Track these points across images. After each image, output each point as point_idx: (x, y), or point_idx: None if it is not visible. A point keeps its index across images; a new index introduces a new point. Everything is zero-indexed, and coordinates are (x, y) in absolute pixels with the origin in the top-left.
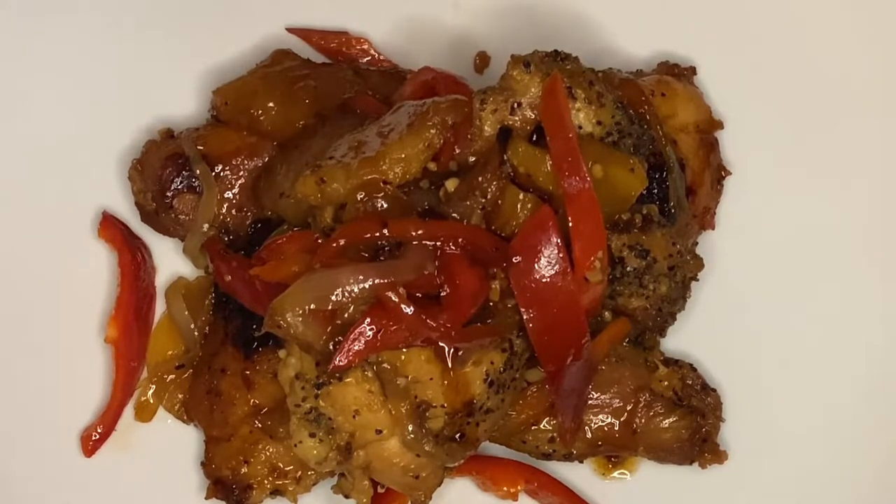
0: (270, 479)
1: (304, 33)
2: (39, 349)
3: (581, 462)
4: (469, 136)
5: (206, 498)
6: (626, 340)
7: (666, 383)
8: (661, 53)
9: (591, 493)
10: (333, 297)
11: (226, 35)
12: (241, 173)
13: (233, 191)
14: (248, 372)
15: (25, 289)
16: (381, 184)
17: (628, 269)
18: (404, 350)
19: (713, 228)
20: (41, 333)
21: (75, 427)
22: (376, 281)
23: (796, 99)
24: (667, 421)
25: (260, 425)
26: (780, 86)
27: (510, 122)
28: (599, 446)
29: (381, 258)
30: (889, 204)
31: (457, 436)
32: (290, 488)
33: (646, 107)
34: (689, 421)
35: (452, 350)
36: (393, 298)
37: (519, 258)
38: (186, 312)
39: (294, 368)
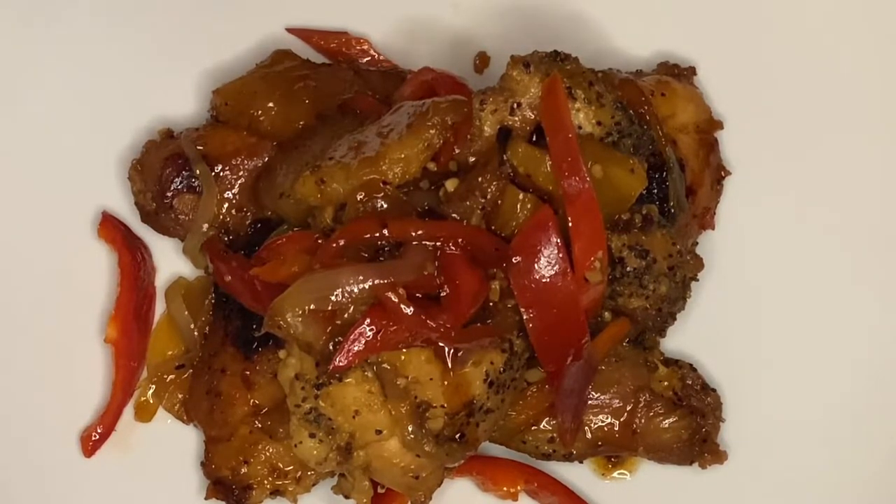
0: (270, 479)
1: (304, 33)
2: (39, 349)
3: (581, 462)
4: (469, 137)
5: (206, 498)
6: (626, 340)
7: (666, 383)
8: (661, 53)
9: (591, 493)
10: (333, 298)
11: (226, 35)
12: (241, 173)
13: (233, 191)
14: (248, 372)
15: (26, 289)
16: (381, 184)
17: (628, 269)
18: (404, 350)
19: (713, 228)
20: (41, 333)
21: (75, 427)
22: (376, 281)
23: (796, 99)
24: (667, 421)
25: (260, 425)
26: (780, 86)
27: (510, 123)
28: (599, 446)
29: (381, 258)
30: (889, 204)
31: (457, 436)
32: (290, 488)
33: (646, 107)
34: (689, 421)
35: (452, 350)
36: (393, 299)
37: (519, 258)
38: (186, 312)
39: (294, 369)
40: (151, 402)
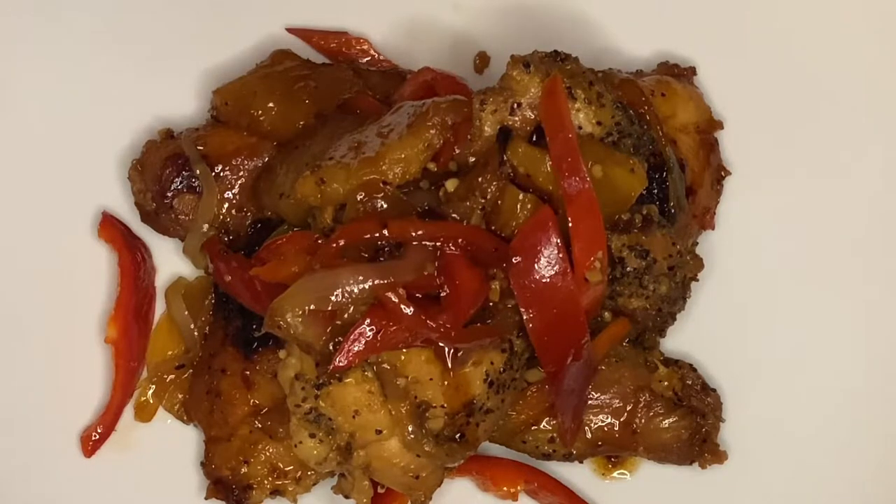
0: (270, 479)
1: (304, 33)
2: (39, 349)
3: (581, 462)
4: (469, 137)
5: (206, 498)
6: (626, 340)
7: (666, 383)
8: (661, 53)
9: (591, 493)
10: (333, 298)
11: (226, 35)
12: (241, 173)
13: (233, 191)
14: (248, 372)
15: (26, 289)
16: (381, 184)
17: (628, 269)
18: (404, 350)
19: (713, 228)
20: (41, 333)
21: (75, 427)
22: (376, 281)
23: (796, 99)
24: (667, 421)
25: (260, 425)
26: (780, 86)
27: (510, 123)
28: (599, 446)
29: (381, 259)
30: (889, 204)
31: (457, 436)
32: (290, 488)
33: (646, 107)
34: (689, 421)
35: (452, 350)
36: (393, 299)
37: (519, 258)
38: (186, 312)
39: (294, 369)
40: (151, 402)
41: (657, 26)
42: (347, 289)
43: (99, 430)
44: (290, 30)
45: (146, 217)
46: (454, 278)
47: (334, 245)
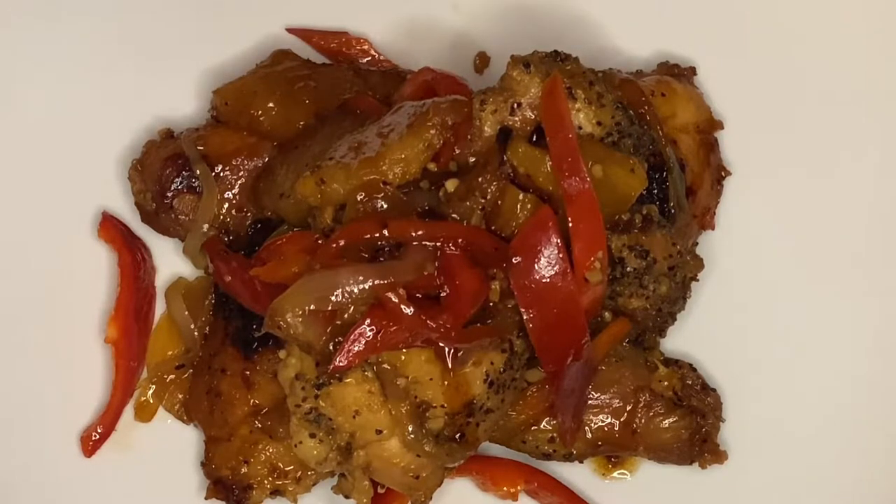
0: (270, 479)
1: (304, 33)
2: (39, 349)
3: (581, 462)
4: (469, 137)
5: (206, 498)
6: (626, 340)
7: (666, 383)
8: (661, 53)
9: (591, 493)
10: (333, 298)
11: (226, 35)
12: (241, 173)
13: (233, 191)
14: (248, 372)
15: (25, 289)
16: (381, 184)
17: (628, 269)
18: (404, 350)
19: (713, 228)
20: (41, 333)
21: (75, 427)
22: (376, 282)
23: (796, 99)
24: (667, 421)
25: (260, 425)
26: (780, 86)
27: (510, 123)
28: (599, 446)
29: (381, 259)
30: (889, 204)
31: (457, 436)
32: (290, 488)
33: (646, 107)
34: (689, 421)
35: (452, 350)
36: (393, 299)
37: (519, 258)
38: (186, 312)
39: (294, 369)
40: (151, 402)
41: (657, 26)
42: (347, 289)
43: (99, 430)
44: (290, 30)
45: (146, 217)
46: (454, 278)
47: (334, 245)
